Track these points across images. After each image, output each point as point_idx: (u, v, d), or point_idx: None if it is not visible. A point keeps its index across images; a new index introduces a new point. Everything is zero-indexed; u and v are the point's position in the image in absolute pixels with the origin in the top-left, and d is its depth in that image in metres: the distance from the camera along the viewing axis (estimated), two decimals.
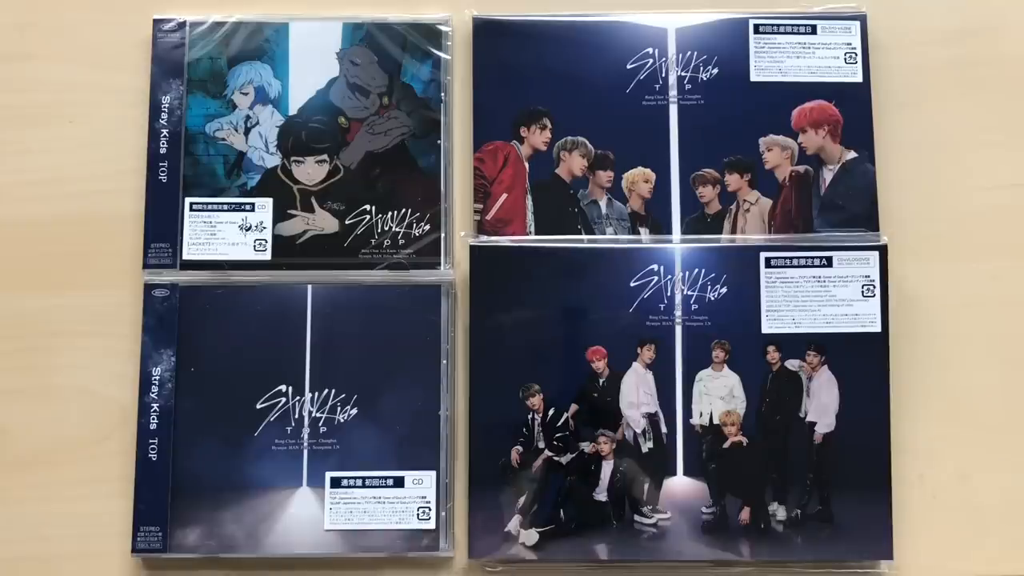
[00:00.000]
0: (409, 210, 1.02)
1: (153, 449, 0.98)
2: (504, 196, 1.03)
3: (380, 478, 0.98)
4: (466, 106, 1.04)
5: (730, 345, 0.99)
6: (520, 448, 0.98)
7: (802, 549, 0.98)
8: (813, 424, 0.99)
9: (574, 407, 0.99)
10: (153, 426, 0.98)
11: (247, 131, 1.04)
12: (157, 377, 0.99)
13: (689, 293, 1.00)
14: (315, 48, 1.05)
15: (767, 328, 1.00)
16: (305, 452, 0.98)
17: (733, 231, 1.02)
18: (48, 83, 1.05)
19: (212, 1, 1.06)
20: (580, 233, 1.02)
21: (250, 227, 1.02)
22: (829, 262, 1.00)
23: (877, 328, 0.99)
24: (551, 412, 0.99)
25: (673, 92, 1.03)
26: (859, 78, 1.04)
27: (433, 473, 0.98)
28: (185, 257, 1.01)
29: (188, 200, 1.02)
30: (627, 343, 0.99)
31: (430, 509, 0.98)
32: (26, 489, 0.99)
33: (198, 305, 1.00)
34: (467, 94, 1.04)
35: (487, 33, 1.04)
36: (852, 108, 1.03)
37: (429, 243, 1.02)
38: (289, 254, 1.02)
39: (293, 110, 1.04)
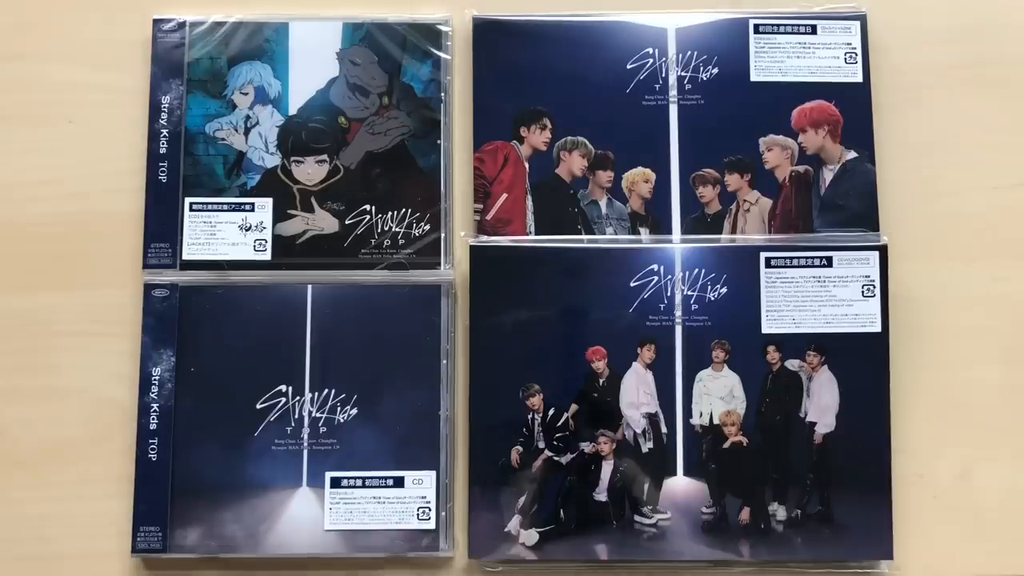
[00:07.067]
0: (409, 210, 1.02)
1: (153, 449, 0.98)
2: (504, 196, 1.03)
3: (380, 478, 0.98)
4: (466, 106, 1.04)
5: (730, 345, 0.99)
6: (520, 448, 0.98)
7: (802, 549, 0.98)
8: (813, 424, 0.99)
9: (574, 407, 0.99)
10: (153, 426, 0.98)
11: (247, 131, 1.04)
12: (157, 377, 0.99)
13: (689, 293, 1.00)
14: (315, 48, 1.04)
15: (767, 328, 0.99)
16: (305, 452, 0.98)
17: (733, 231, 1.02)
18: (48, 83, 1.05)
19: (212, 1, 1.06)
20: (580, 233, 1.02)
21: (250, 227, 1.02)
22: (829, 262, 1.00)
23: (877, 328, 0.99)
24: (551, 412, 0.99)
25: (673, 92, 1.03)
26: (859, 78, 1.04)
27: (433, 473, 0.98)
28: (185, 257, 1.01)
29: (188, 200, 1.02)
30: (627, 343, 0.99)
31: (430, 509, 0.98)
32: (26, 489, 0.99)
33: (198, 305, 1.00)
34: (467, 94, 1.04)
35: (487, 33, 1.04)
36: (852, 108, 1.03)
37: (429, 243, 1.02)
38: (289, 254, 1.02)
39: (293, 110, 1.04)
